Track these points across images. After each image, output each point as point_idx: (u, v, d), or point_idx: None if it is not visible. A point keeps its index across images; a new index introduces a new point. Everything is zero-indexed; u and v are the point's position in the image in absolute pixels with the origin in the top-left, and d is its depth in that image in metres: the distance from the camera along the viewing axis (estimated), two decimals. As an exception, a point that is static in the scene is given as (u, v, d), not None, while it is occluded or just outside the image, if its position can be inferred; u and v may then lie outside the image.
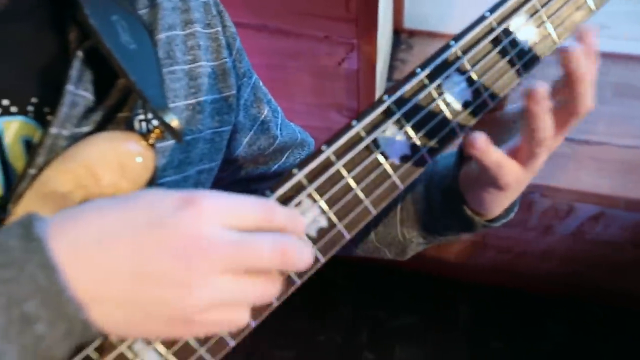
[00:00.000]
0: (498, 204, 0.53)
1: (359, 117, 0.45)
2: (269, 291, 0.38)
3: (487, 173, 0.49)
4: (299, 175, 0.44)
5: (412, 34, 1.53)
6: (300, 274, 0.44)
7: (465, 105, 0.47)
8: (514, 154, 0.48)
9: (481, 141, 0.45)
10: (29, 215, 0.36)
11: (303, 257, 0.38)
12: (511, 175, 0.48)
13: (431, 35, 1.50)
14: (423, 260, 1.83)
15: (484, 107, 0.48)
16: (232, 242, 0.35)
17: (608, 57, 1.52)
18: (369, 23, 1.08)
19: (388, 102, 0.45)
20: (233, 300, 0.36)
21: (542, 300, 1.82)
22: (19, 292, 0.32)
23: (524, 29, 0.48)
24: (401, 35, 1.54)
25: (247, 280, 0.37)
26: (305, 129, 0.70)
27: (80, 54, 0.44)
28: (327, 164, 0.44)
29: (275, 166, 0.65)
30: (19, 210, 0.41)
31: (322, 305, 1.82)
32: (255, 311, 0.42)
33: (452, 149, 0.54)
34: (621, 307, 1.77)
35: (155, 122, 0.45)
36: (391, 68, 1.47)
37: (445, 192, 0.56)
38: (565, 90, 0.46)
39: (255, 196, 0.39)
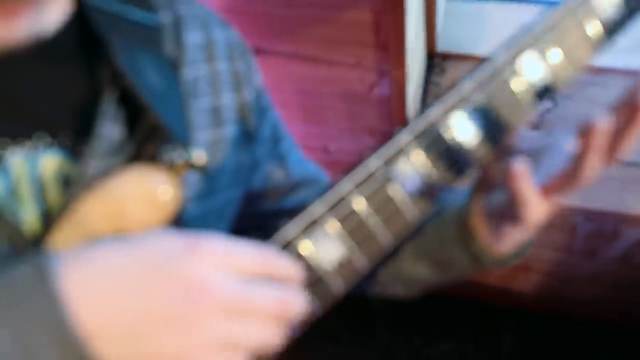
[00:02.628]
0: (512, 239, 0.53)
1: (375, 151, 0.46)
2: (269, 337, 0.39)
3: (511, 207, 0.49)
4: (317, 208, 0.45)
5: (446, 57, 1.53)
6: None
7: (482, 140, 0.47)
8: (542, 192, 0.49)
9: (523, 169, 0.46)
10: (43, 250, 0.37)
11: (300, 307, 0.39)
12: (535, 212, 0.48)
13: (464, 57, 1.50)
14: (463, 285, 1.79)
15: (501, 141, 0.48)
16: (234, 289, 0.37)
17: (652, 75, 1.47)
18: (398, 49, 1.09)
19: (404, 137, 0.46)
20: (232, 344, 0.37)
21: (590, 327, 1.75)
22: (28, 325, 0.34)
23: (533, 66, 0.48)
24: (435, 59, 1.53)
25: (246, 325, 0.38)
26: (338, 153, 0.71)
27: (111, 92, 0.47)
28: (344, 197, 0.45)
29: (291, 202, 0.66)
30: (54, 243, 0.44)
31: (359, 330, 1.81)
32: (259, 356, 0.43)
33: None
34: (675, 335, 1.68)
35: (180, 156, 0.47)
36: (425, 91, 1.47)
37: (458, 227, 0.56)
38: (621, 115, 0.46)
39: (256, 244, 0.41)
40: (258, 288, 0.38)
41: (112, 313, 0.36)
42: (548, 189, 0.49)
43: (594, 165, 0.45)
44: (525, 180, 0.46)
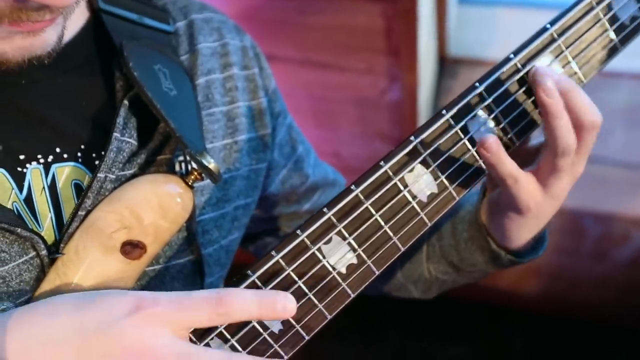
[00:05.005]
0: (520, 231, 0.52)
1: (387, 157, 0.47)
2: None
3: (505, 191, 0.48)
4: (329, 214, 0.46)
5: (457, 61, 1.53)
6: (309, 328, 0.46)
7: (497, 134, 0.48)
8: (533, 174, 0.48)
9: (492, 141, 0.45)
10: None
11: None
12: (529, 195, 0.48)
13: (476, 62, 1.50)
14: (474, 288, 1.79)
15: (510, 146, 0.49)
16: (174, 355, 0.37)
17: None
18: (410, 54, 1.10)
19: (415, 142, 0.47)
20: None
21: (599, 330, 1.74)
22: None
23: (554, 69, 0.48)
24: (446, 63, 1.54)
25: None
26: (350, 158, 0.72)
27: (125, 102, 0.48)
28: (357, 203, 0.46)
29: (307, 205, 0.67)
30: (69, 249, 0.45)
31: (370, 332, 1.81)
32: None
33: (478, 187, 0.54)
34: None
35: (194, 165, 0.47)
36: (437, 95, 1.48)
37: (471, 225, 0.56)
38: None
39: (210, 290, 0.40)
40: (202, 352, 0.37)
41: None
42: (535, 172, 0.48)
43: (564, 127, 0.45)
44: (499, 152, 0.45)
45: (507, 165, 0.46)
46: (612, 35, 0.49)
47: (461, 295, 1.76)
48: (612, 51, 0.50)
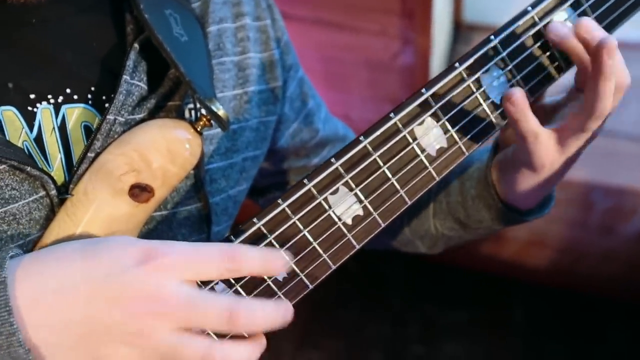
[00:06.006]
0: (531, 189, 0.52)
1: (397, 109, 0.47)
2: (217, 353, 0.38)
3: (522, 147, 0.48)
4: (337, 164, 0.46)
5: (473, 27, 1.51)
6: (314, 277, 0.46)
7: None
8: (555, 131, 0.48)
9: (519, 95, 0.45)
10: (4, 254, 0.39)
11: (255, 321, 0.38)
12: (547, 151, 0.47)
13: (492, 28, 1.47)
14: (477, 258, 1.80)
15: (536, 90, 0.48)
16: (182, 302, 0.37)
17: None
18: (424, 17, 1.08)
19: (426, 94, 0.46)
20: (180, 356, 0.38)
21: (602, 304, 1.75)
22: None
23: (567, 24, 0.47)
24: (461, 29, 1.52)
25: (195, 338, 0.38)
26: (360, 121, 0.72)
27: (135, 46, 0.47)
28: (365, 154, 0.46)
29: (317, 159, 0.67)
30: (79, 190, 0.46)
31: (372, 298, 1.83)
32: None
33: (488, 144, 0.54)
34: (688, 316, 1.68)
35: (203, 111, 0.47)
36: (450, 61, 1.46)
37: (479, 183, 0.56)
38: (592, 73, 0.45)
39: (221, 244, 0.41)
40: (210, 302, 0.37)
41: (59, 325, 0.37)
42: (557, 131, 0.47)
43: (607, 93, 0.44)
44: (525, 107, 0.45)
45: (531, 121, 0.46)
46: None
47: (464, 263, 1.77)
48: (636, 7, 0.48)
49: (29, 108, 0.46)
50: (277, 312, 0.39)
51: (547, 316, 1.77)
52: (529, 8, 0.47)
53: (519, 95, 0.45)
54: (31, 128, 0.46)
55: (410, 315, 1.80)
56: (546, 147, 0.47)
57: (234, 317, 0.37)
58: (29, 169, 0.43)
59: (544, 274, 1.78)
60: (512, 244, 1.73)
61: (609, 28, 0.48)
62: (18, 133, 0.45)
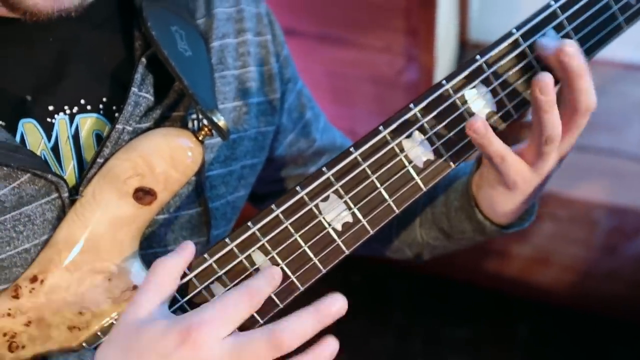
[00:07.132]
0: (508, 205, 0.53)
1: (385, 122, 0.49)
2: None
3: (493, 168, 0.50)
4: (328, 174, 0.48)
5: (478, 46, 1.53)
6: (304, 279, 0.49)
7: (489, 115, 0.50)
8: (521, 152, 0.49)
9: (479, 124, 0.46)
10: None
11: (298, 336, 0.41)
12: (517, 172, 0.49)
13: (497, 47, 1.50)
14: (482, 274, 1.81)
15: (508, 118, 0.51)
16: (231, 356, 0.41)
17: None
18: (427, 35, 1.11)
19: (414, 110, 0.49)
20: None
21: (606, 323, 1.74)
22: None
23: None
24: (467, 48, 1.54)
25: None
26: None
27: (143, 60, 0.51)
28: (354, 164, 0.49)
29: (313, 168, 0.69)
30: (87, 192, 0.49)
31: (376, 313, 1.84)
32: None
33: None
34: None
35: (205, 121, 0.50)
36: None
37: (462, 196, 0.58)
38: (566, 90, 0.47)
39: (238, 286, 0.45)
40: (254, 341, 0.41)
41: None
42: (523, 151, 0.49)
43: (552, 119, 0.46)
44: (487, 134, 0.46)
45: (495, 145, 0.48)
46: (617, 12, 0.50)
47: (468, 279, 1.78)
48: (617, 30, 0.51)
49: (48, 119, 0.50)
50: (314, 318, 0.42)
51: (550, 334, 1.77)
52: (514, 30, 0.50)
53: (479, 124, 0.46)
54: (49, 138, 0.50)
55: (415, 331, 1.81)
56: (515, 168, 0.49)
57: (279, 344, 0.41)
58: (49, 176, 0.47)
59: (547, 291, 1.78)
60: (517, 261, 1.73)
61: (589, 52, 0.51)
62: (38, 143, 0.49)
